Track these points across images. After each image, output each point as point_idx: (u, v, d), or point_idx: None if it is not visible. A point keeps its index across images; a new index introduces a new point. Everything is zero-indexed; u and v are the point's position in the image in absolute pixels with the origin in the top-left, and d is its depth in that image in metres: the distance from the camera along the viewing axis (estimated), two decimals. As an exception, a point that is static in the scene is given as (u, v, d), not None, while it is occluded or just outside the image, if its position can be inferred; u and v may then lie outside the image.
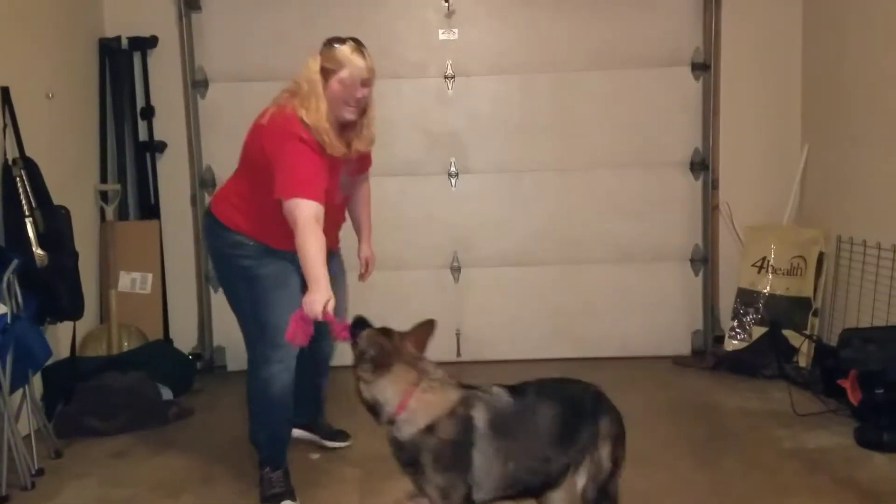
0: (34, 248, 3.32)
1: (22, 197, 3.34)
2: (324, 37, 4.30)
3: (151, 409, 3.72)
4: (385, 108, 4.69)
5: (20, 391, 3.19)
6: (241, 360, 4.53)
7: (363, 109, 2.70)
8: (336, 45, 2.63)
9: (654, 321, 4.58)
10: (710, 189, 4.53)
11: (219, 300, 4.59)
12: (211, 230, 2.85)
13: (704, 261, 4.60)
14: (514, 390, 2.14)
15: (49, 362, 3.50)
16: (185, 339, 4.55)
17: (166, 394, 3.91)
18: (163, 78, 4.47)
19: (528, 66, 4.47)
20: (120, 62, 4.41)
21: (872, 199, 3.92)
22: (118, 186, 4.40)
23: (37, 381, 3.52)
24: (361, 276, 3.15)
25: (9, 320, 2.89)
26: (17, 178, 3.34)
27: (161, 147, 4.50)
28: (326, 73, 2.60)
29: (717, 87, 4.48)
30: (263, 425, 2.88)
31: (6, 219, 3.35)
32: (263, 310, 2.71)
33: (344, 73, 2.60)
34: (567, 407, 2.15)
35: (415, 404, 2.06)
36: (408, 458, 2.09)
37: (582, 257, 4.55)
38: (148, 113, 4.48)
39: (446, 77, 4.45)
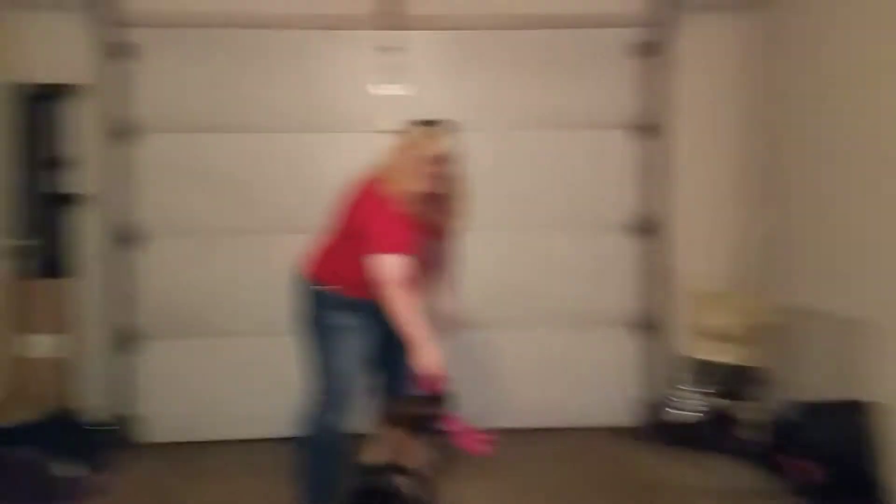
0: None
1: None
2: (258, 88, 4.26)
3: (45, 489, 3.38)
4: (321, 161, 4.51)
5: None
6: (158, 431, 4.29)
7: (446, 184, 3.00)
8: (412, 129, 3.01)
9: (594, 389, 4.41)
10: (656, 253, 4.43)
11: (135, 365, 4.29)
12: (295, 286, 3.12)
13: (648, 326, 4.47)
14: None
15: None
16: (95, 407, 4.19)
17: (64, 470, 3.56)
18: (84, 127, 4.20)
19: (472, 124, 4.32)
20: (37, 109, 4.13)
21: (822, 268, 3.84)
22: (26, 242, 4.09)
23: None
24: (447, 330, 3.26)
25: None
26: None
27: (78, 200, 4.22)
28: (404, 152, 2.95)
29: (666, 149, 4.42)
30: (315, 470, 3.04)
31: None
32: (328, 356, 3.00)
33: (416, 153, 2.92)
34: None
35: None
36: None
37: (521, 321, 4.39)
38: (64, 164, 4.19)
39: (385, 132, 4.29)
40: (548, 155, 4.41)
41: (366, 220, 2.93)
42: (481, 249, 4.32)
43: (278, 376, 4.17)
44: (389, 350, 3.06)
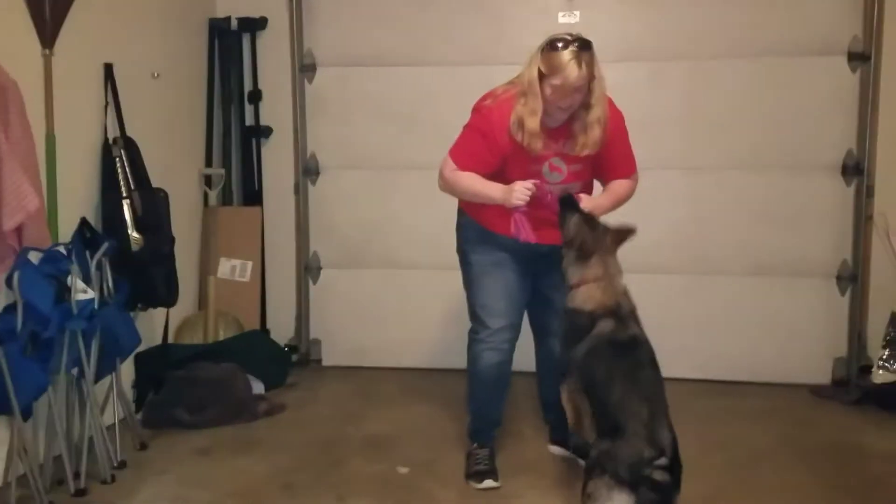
0: (130, 232, 3.23)
1: (121, 178, 3.26)
2: (434, 24, 4.18)
3: (241, 404, 3.58)
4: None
5: (108, 379, 3.10)
6: (336, 355, 4.48)
7: (577, 112, 2.68)
8: (555, 51, 2.56)
9: (791, 344, 4.06)
10: (865, 197, 3.97)
11: (317, 292, 4.48)
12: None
13: (853, 279, 4.05)
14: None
15: (143, 348, 3.42)
16: (281, 330, 4.42)
17: (258, 387, 3.78)
18: (271, 61, 4.33)
19: (657, 54, 4.05)
20: (229, 43, 4.30)
21: None
22: (222, 171, 4.30)
23: (130, 367, 3.46)
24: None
25: (96, 306, 2.77)
26: (117, 159, 3.26)
27: (267, 132, 4.38)
28: (542, 76, 2.59)
29: (878, 80, 3.90)
30: (471, 398, 3.09)
31: (104, 200, 3.27)
32: (472, 291, 2.96)
33: (556, 81, 2.56)
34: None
35: (583, 292, 2.53)
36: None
37: (712, 268, 4.11)
38: (255, 97, 4.36)
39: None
40: (739, 87, 4.04)
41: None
42: (663, 190, 4.07)
43: (447, 309, 4.19)
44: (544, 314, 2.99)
